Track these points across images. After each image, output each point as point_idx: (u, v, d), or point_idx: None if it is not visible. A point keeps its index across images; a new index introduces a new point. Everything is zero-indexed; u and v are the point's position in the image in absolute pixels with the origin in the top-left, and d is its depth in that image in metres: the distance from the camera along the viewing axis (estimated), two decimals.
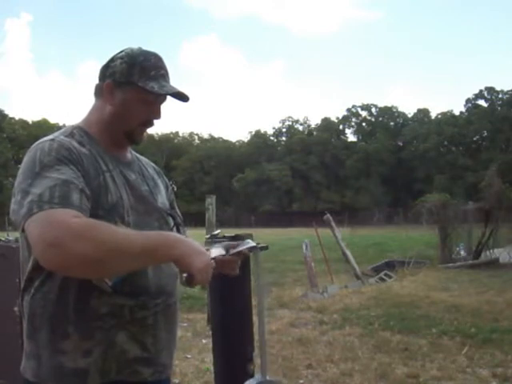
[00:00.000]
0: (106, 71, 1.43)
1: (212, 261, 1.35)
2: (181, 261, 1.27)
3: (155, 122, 1.48)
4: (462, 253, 13.46)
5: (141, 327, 1.36)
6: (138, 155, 1.60)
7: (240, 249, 1.41)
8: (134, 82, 1.40)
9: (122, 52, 1.44)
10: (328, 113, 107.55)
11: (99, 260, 1.17)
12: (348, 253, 10.80)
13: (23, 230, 1.23)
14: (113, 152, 1.44)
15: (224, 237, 4.37)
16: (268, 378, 1.40)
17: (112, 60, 1.44)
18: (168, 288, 1.43)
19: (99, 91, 1.45)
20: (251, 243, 1.44)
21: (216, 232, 4.91)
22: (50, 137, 1.36)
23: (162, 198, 1.54)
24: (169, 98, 1.46)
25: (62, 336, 1.30)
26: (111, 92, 1.41)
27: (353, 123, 62.59)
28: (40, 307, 1.32)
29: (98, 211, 1.29)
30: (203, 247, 1.35)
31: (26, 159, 1.31)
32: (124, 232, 1.24)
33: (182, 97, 1.46)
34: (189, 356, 5.03)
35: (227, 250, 1.45)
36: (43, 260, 1.20)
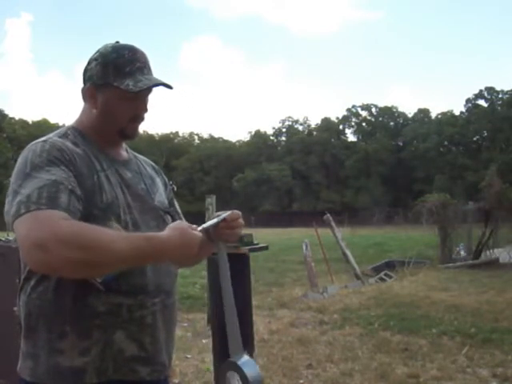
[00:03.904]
0: (85, 75, 1.44)
1: (199, 235, 1.31)
2: (172, 261, 1.34)
3: (145, 115, 1.46)
4: (462, 253, 13.46)
5: (139, 326, 1.36)
6: (135, 154, 1.60)
7: (207, 225, 1.37)
8: (110, 83, 1.39)
9: (96, 52, 1.44)
10: (328, 113, 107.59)
11: (84, 263, 1.16)
12: (348, 253, 10.79)
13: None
14: (108, 151, 1.45)
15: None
16: (241, 360, 1.32)
17: (89, 63, 1.44)
18: (166, 287, 1.43)
19: (83, 95, 1.46)
20: (218, 217, 1.39)
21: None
22: (44, 138, 1.37)
23: (160, 196, 1.54)
24: (157, 87, 1.43)
25: (59, 335, 1.30)
26: (93, 96, 1.42)
27: (353, 123, 62.52)
28: (36, 307, 1.32)
29: (92, 210, 1.29)
30: (191, 227, 1.32)
31: (18, 161, 1.31)
32: (111, 236, 1.21)
33: (164, 85, 1.43)
34: (189, 356, 5.03)
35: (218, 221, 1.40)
36: (29, 261, 1.20)
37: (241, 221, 1.43)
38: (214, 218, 1.40)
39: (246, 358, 1.34)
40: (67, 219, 1.19)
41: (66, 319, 1.30)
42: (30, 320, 1.33)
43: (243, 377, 1.29)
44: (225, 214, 1.40)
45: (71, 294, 1.29)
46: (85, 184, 1.31)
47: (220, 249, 1.41)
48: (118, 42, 1.45)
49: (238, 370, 1.30)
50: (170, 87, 1.43)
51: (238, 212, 1.43)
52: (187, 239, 1.28)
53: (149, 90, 1.42)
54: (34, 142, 1.36)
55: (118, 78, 1.38)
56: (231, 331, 1.37)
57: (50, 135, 1.40)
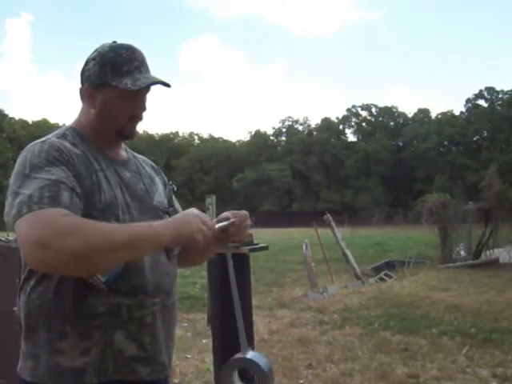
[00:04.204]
0: (83, 75, 1.43)
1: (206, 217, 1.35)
2: (175, 241, 1.30)
3: (143, 114, 1.46)
4: (462, 253, 13.46)
5: (139, 326, 1.36)
6: (134, 153, 1.60)
7: (221, 225, 1.40)
8: (108, 82, 1.39)
9: (94, 52, 1.43)
10: (328, 113, 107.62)
11: (86, 255, 1.16)
12: (348, 253, 10.80)
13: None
14: (106, 151, 1.44)
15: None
16: (248, 356, 1.36)
17: (86, 63, 1.43)
18: (166, 287, 1.43)
19: (82, 95, 1.45)
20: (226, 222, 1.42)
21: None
22: (42, 139, 1.37)
23: (160, 196, 1.53)
24: (155, 86, 1.43)
25: (59, 336, 1.30)
26: (91, 96, 1.41)
27: (353, 123, 62.54)
28: (36, 307, 1.32)
29: (91, 211, 1.29)
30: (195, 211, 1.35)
31: (17, 162, 1.32)
32: (110, 226, 1.25)
33: (162, 83, 1.43)
34: (189, 356, 5.03)
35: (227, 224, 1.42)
36: (30, 260, 1.21)
37: (249, 221, 1.45)
38: (221, 222, 1.41)
39: (252, 352, 1.37)
40: (68, 215, 1.19)
41: (66, 319, 1.30)
42: (30, 320, 1.33)
43: (256, 367, 1.31)
44: (233, 219, 1.41)
45: (71, 294, 1.29)
46: (83, 184, 1.31)
47: (228, 251, 1.44)
48: (115, 42, 1.45)
49: (250, 362, 1.32)
50: (168, 85, 1.43)
51: (245, 213, 1.45)
52: (185, 213, 1.33)
53: (147, 88, 1.42)
54: (32, 143, 1.37)
55: (117, 78, 1.38)
56: (240, 329, 1.39)
57: (49, 136, 1.40)
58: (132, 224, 1.30)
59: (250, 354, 1.35)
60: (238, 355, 1.35)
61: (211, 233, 1.33)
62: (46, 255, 1.15)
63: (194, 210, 1.35)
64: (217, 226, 1.38)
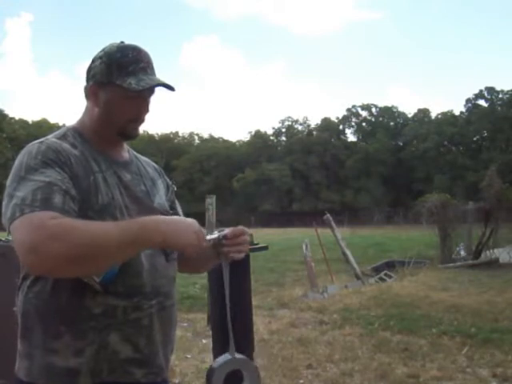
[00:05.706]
0: (89, 74, 1.43)
1: (203, 230, 1.33)
2: (167, 243, 1.28)
3: (146, 116, 1.46)
4: (462, 253, 13.45)
5: (135, 328, 1.35)
6: (137, 154, 1.59)
7: (212, 237, 1.39)
8: (113, 81, 1.38)
9: (101, 51, 1.43)
10: (328, 113, 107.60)
11: (77, 257, 1.16)
12: (348, 253, 10.79)
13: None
14: (108, 152, 1.44)
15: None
16: (237, 356, 1.39)
17: (93, 61, 1.43)
18: (164, 289, 1.42)
19: (86, 94, 1.45)
20: (218, 233, 1.40)
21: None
22: (41, 139, 1.37)
23: (161, 199, 1.52)
24: (158, 88, 1.43)
25: (54, 335, 1.30)
26: (96, 94, 1.41)
27: (353, 123, 62.53)
28: (32, 306, 1.32)
29: (88, 212, 1.29)
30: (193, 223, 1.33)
31: (15, 163, 1.31)
32: (100, 225, 1.22)
33: (166, 86, 1.42)
34: (189, 356, 5.03)
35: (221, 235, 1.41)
36: (25, 265, 1.22)
37: (245, 237, 1.42)
38: (215, 233, 1.40)
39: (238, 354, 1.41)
40: (57, 217, 1.18)
41: (62, 319, 1.29)
42: (26, 319, 1.34)
43: (247, 362, 1.38)
44: (227, 230, 1.40)
45: (67, 294, 1.29)
46: (80, 186, 1.30)
47: (223, 264, 1.42)
48: (122, 42, 1.45)
49: (241, 360, 1.38)
50: (172, 89, 1.42)
51: (240, 228, 1.42)
52: (182, 219, 1.33)
53: (151, 90, 1.41)
54: (30, 143, 1.36)
55: (121, 77, 1.38)
56: (230, 333, 1.41)
57: (49, 136, 1.40)
58: (125, 223, 1.27)
59: (238, 355, 1.37)
60: (227, 357, 1.37)
61: (203, 245, 1.31)
62: (36, 260, 1.15)
63: (189, 220, 1.32)
64: (208, 237, 1.36)
